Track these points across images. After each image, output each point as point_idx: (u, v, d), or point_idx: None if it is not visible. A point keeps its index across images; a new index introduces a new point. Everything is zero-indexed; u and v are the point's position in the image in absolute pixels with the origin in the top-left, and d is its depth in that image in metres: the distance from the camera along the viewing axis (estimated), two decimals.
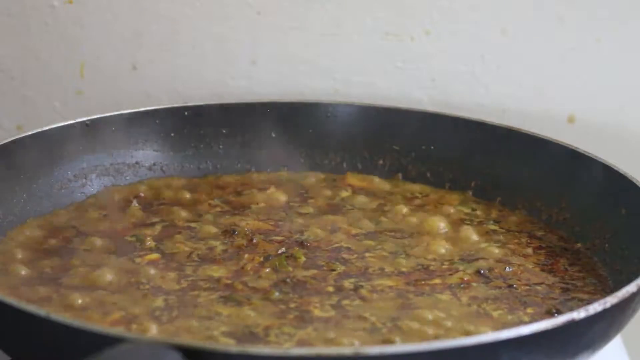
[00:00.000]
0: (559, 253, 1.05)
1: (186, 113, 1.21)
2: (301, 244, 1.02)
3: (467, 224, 1.09)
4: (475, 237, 1.06)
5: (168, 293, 0.93)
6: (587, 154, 1.10)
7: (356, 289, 0.95)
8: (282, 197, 1.14)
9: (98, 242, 1.02)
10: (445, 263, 1.01)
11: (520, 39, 1.26)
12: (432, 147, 1.20)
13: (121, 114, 1.17)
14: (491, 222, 1.11)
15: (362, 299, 0.93)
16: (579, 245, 1.06)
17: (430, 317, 0.90)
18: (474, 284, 0.97)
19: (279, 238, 1.04)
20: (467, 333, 0.88)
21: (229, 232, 1.04)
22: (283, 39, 1.28)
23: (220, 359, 0.75)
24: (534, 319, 0.91)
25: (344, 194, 1.16)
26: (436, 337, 0.87)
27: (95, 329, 0.76)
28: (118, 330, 0.78)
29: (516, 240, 1.07)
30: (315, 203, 1.14)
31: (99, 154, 1.16)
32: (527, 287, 0.97)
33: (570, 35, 1.25)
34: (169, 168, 1.19)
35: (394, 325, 0.89)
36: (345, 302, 0.92)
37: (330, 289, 0.95)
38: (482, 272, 0.99)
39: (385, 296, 0.94)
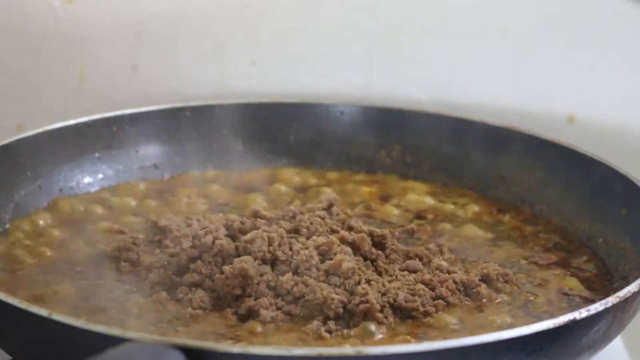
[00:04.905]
0: (558, 253, 1.05)
1: (186, 113, 1.21)
2: None
3: (469, 222, 1.10)
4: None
5: None
6: (587, 154, 1.10)
7: None
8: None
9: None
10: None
11: (520, 39, 1.26)
12: (432, 147, 1.20)
13: (121, 114, 1.17)
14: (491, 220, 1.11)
15: None
16: (579, 245, 1.06)
17: None
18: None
19: None
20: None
21: None
22: (283, 39, 1.28)
23: (221, 359, 0.75)
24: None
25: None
26: None
27: (98, 329, 0.76)
28: (120, 330, 0.78)
29: (516, 240, 1.07)
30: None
31: (99, 154, 1.16)
32: (527, 286, 0.97)
33: (570, 35, 1.25)
34: (169, 168, 1.19)
35: None
36: None
37: None
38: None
39: None
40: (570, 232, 1.08)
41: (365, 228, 0.98)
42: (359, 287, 0.90)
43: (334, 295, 0.88)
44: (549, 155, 1.13)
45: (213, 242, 0.93)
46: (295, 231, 0.97)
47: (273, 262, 0.92)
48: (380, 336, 0.87)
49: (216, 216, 1.06)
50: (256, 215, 1.02)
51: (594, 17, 1.24)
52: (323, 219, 0.99)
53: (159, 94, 1.28)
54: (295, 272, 0.91)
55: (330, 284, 0.90)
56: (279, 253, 0.92)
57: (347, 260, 0.91)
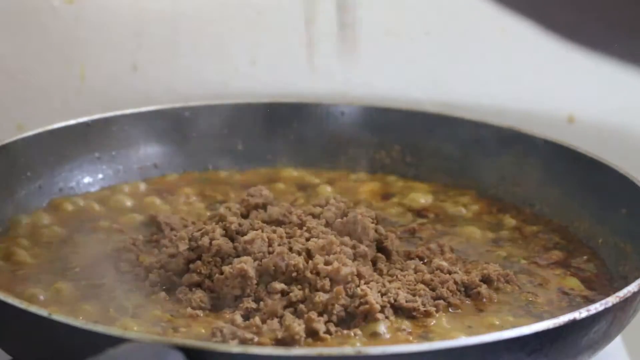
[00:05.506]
0: (558, 252, 1.05)
1: (186, 113, 1.21)
2: None
3: (469, 222, 1.10)
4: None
5: None
6: (587, 154, 1.10)
7: None
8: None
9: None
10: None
11: (520, 39, 1.26)
12: (432, 147, 1.20)
13: (121, 114, 1.17)
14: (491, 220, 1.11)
15: None
16: (579, 245, 1.06)
17: None
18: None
19: None
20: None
21: None
22: (283, 39, 1.28)
23: (221, 359, 0.75)
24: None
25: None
26: None
27: (98, 329, 0.76)
28: (120, 330, 0.78)
29: (516, 240, 1.07)
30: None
31: (99, 154, 1.16)
32: (527, 286, 0.97)
33: None
34: (169, 168, 1.19)
35: None
36: None
37: None
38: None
39: None
40: (570, 232, 1.08)
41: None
42: (359, 288, 0.90)
43: (334, 302, 0.88)
44: (549, 155, 1.13)
45: (210, 243, 0.93)
46: (295, 232, 0.97)
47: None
48: (387, 336, 0.87)
49: (214, 214, 1.07)
50: (256, 205, 1.03)
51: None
52: (322, 219, 0.99)
53: (159, 94, 1.28)
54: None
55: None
56: None
57: (346, 265, 0.91)
